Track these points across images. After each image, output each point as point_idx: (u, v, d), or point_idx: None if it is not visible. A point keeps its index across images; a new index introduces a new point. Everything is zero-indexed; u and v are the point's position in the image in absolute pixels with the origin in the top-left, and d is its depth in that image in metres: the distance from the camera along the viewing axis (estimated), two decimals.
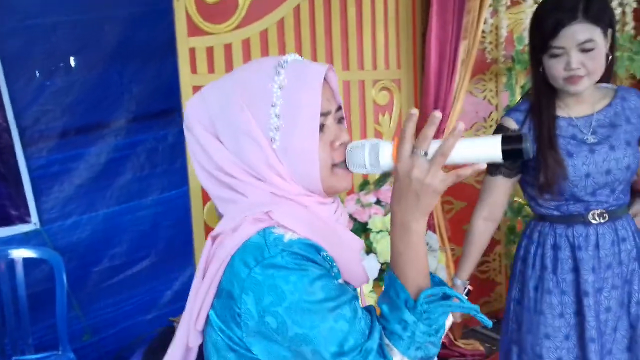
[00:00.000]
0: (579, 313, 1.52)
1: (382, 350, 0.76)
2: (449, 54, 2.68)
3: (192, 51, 2.25)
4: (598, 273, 1.51)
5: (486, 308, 3.30)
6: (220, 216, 1.89)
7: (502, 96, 3.12)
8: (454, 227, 2.95)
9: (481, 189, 1.65)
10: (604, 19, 1.38)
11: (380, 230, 2.23)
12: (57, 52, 2.13)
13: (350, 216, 2.22)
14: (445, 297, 0.80)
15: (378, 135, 2.78)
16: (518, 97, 2.91)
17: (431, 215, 2.72)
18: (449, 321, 1.52)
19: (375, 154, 0.81)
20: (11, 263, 2.08)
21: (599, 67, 1.41)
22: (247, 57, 2.38)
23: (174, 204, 2.37)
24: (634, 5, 3.19)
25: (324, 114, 0.83)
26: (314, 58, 2.54)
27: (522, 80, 2.95)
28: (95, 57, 2.19)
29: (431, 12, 2.65)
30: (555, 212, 1.54)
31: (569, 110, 1.51)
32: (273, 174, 0.82)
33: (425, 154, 0.75)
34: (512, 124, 1.54)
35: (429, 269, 0.83)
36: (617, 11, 3.18)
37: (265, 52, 2.41)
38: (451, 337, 2.86)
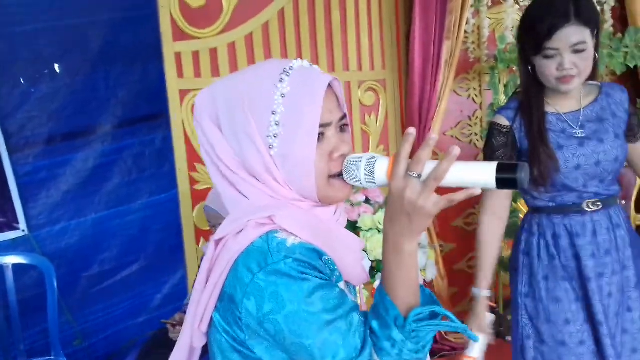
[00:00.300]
0: (586, 297, 1.56)
1: None
2: (433, 54, 2.71)
3: (178, 56, 2.27)
4: (598, 258, 1.56)
5: None
6: (210, 223, 1.90)
7: (486, 95, 3.17)
8: (442, 224, 2.99)
9: (483, 193, 1.67)
10: (593, 20, 1.43)
11: (370, 229, 2.26)
12: (42, 58, 2.13)
13: None
14: (434, 315, 0.80)
15: (365, 135, 2.81)
16: (501, 95, 2.96)
17: None
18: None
19: (371, 170, 0.80)
20: (0, 269, 2.08)
21: (589, 67, 1.46)
22: (232, 60, 2.39)
23: (163, 207, 2.38)
24: (612, 3, 3.25)
25: (324, 125, 0.83)
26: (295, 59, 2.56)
27: (505, 78, 2.99)
28: (80, 63, 2.19)
29: (414, 13, 2.69)
30: (551, 204, 1.59)
31: (558, 107, 1.56)
32: (270, 178, 0.83)
33: (419, 176, 0.74)
34: (503, 121, 1.58)
35: (419, 272, 0.84)
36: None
37: (250, 55, 2.43)
38: (442, 331, 2.90)
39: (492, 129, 1.60)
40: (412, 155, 0.75)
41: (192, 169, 2.33)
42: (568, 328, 1.56)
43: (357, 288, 0.94)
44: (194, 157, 2.32)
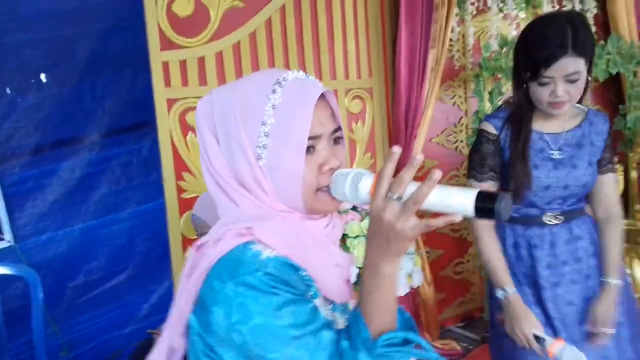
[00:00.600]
0: (540, 303, 1.63)
1: None
2: (419, 62, 2.74)
3: (166, 65, 2.27)
4: (554, 269, 1.63)
5: (462, 308, 3.37)
6: (197, 232, 1.91)
7: (471, 102, 3.20)
8: None
9: None
10: (589, 50, 1.48)
11: (357, 236, 2.28)
12: (28, 68, 2.12)
13: None
14: (408, 341, 0.79)
15: (352, 143, 2.83)
16: (486, 103, 2.99)
17: None
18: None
19: (356, 186, 0.80)
20: None
21: (580, 93, 1.52)
22: (220, 69, 2.40)
23: (150, 216, 2.37)
24: (595, 11, 3.31)
25: (313, 137, 0.83)
26: (287, 69, 2.57)
27: (489, 86, 3.03)
28: (67, 72, 2.18)
29: (400, 22, 2.72)
30: (515, 214, 1.65)
31: (542, 125, 1.61)
32: (258, 189, 0.84)
33: (400, 197, 0.73)
34: (491, 129, 1.63)
35: (397, 303, 0.82)
36: None
37: (238, 64, 2.44)
38: (429, 337, 2.91)
39: (481, 136, 1.65)
40: (398, 172, 0.74)
41: (179, 177, 2.33)
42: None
43: (350, 304, 0.92)
44: (180, 166, 2.32)
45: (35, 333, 2.03)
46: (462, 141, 3.23)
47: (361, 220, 2.31)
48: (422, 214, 0.73)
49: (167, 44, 2.26)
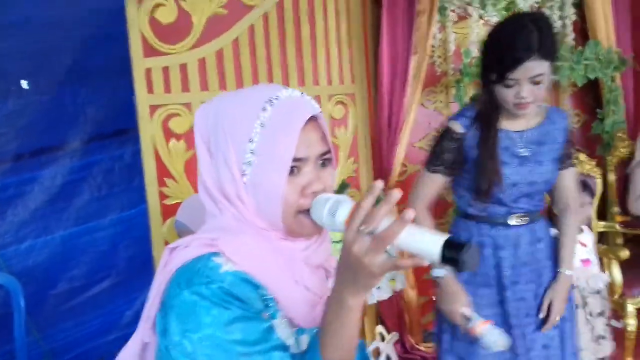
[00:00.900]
0: (502, 303, 1.70)
1: None
2: (401, 68, 2.78)
3: (148, 71, 2.27)
4: (515, 269, 1.70)
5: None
6: (180, 237, 1.91)
7: (452, 107, 3.24)
8: None
9: (418, 182, 1.77)
10: (553, 52, 1.54)
11: (340, 241, 2.29)
12: (9, 75, 2.12)
13: None
14: None
15: (335, 148, 2.84)
16: None
17: None
18: None
19: (333, 213, 0.79)
20: None
21: (544, 94, 1.58)
22: (203, 76, 2.41)
23: (133, 223, 2.37)
24: (573, 17, 3.37)
25: (298, 159, 0.82)
26: (270, 75, 2.59)
27: (470, 91, 3.07)
28: (49, 79, 2.18)
29: (382, 29, 2.75)
30: (482, 213, 1.71)
31: (507, 124, 1.67)
32: (240, 205, 0.84)
33: (372, 232, 0.71)
34: (458, 128, 1.67)
35: (358, 338, 0.81)
36: (558, 23, 3.36)
37: (221, 71, 2.45)
38: (412, 341, 2.93)
39: (446, 133, 1.69)
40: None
41: (161, 183, 2.33)
42: None
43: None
44: (163, 172, 2.32)
45: (17, 341, 2.01)
46: None
47: None
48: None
49: (149, 51, 2.27)
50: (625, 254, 2.55)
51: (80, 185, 2.26)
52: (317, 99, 2.75)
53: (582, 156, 3.16)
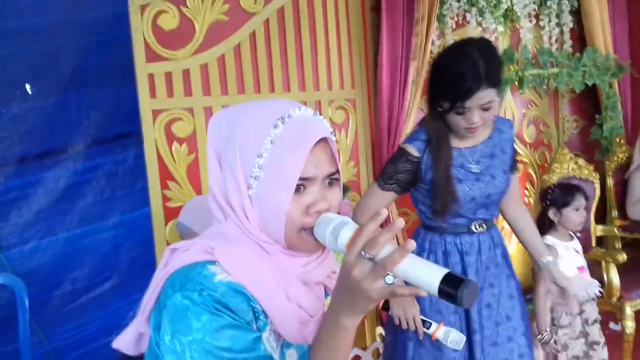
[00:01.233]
0: (466, 310, 1.73)
1: None
2: (400, 74, 2.82)
3: (151, 76, 2.31)
4: (479, 274, 1.75)
5: None
6: (182, 239, 1.94)
7: None
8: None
9: (368, 195, 1.82)
10: (499, 79, 1.61)
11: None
12: (13, 80, 2.15)
13: None
14: None
15: None
16: None
17: None
18: None
19: (336, 235, 0.80)
20: None
21: (493, 117, 1.67)
22: (205, 81, 2.45)
23: (136, 225, 2.39)
24: (571, 25, 3.41)
25: (305, 179, 0.83)
26: (271, 81, 2.63)
27: None
28: (53, 84, 2.21)
29: (382, 35, 2.79)
30: (444, 224, 1.76)
31: (459, 142, 1.73)
32: (243, 216, 0.86)
33: (372, 258, 0.72)
34: (414, 152, 1.72)
35: (349, 351, 0.83)
36: (556, 31, 3.40)
37: (223, 76, 2.49)
38: None
39: (402, 155, 1.74)
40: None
41: (164, 186, 2.36)
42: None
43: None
44: (166, 175, 2.36)
45: (22, 342, 2.03)
46: None
47: None
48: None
49: (152, 57, 2.31)
50: (623, 257, 2.56)
51: (84, 188, 2.29)
52: (318, 104, 2.79)
53: (581, 161, 3.18)
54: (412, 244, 0.71)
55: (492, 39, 3.21)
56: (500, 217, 1.94)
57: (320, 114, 0.91)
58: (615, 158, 3.39)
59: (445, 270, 0.70)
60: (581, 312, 2.23)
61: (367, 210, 1.77)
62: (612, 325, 3.13)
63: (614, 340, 2.72)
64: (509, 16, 3.25)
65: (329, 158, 0.87)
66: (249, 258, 0.84)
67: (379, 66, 2.83)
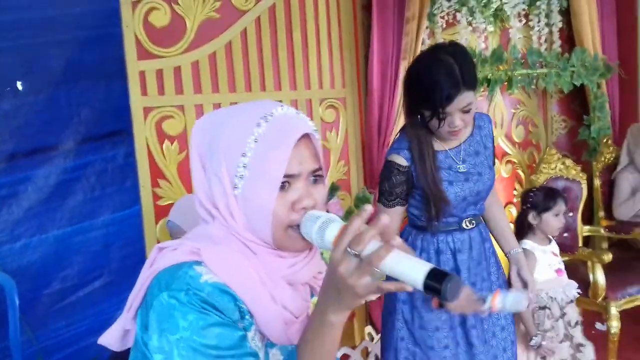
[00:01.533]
0: None
1: None
2: (391, 73, 2.83)
3: (142, 74, 2.31)
4: (472, 269, 1.79)
5: None
6: (172, 237, 1.95)
7: None
8: None
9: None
10: (475, 82, 1.63)
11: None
12: (3, 76, 2.14)
13: None
14: None
15: (326, 151, 2.89)
16: None
17: None
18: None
19: (323, 232, 0.81)
20: None
21: (473, 118, 1.71)
22: (196, 78, 2.45)
23: (126, 223, 2.39)
24: (560, 25, 3.44)
25: (290, 175, 0.84)
26: (262, 79, 2.64)
27: None
28: (44, 80, 2.20)
29: (372, 35, 2.80)
30: (436, 224, 1.77)
31: (443, 144, 1.75)
32: (230, 218, 0.87)
33: (358, 255, 0.74)
34: (402, 162, 1.73)
35: (335, 358, 0.84)
36: (545, 31, 3.43)
37: (214, 74, 2.49)
38: None
39: (392, 168, 1.74)
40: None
41: (155, 184, 2.36)
42: (437, 334, 1.77)
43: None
44: (156, 173, 2.36)
45: (12, 340, 2.03)
46: None
47: None
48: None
49: (143, 54, 2.31)
50: (608, 257, 2.60)
51: (74, 185, 2.28)
52: (309, 102, 2.80)
53: (569, 161, 3.22)
54: (398, 240, 0.73)
55: (482, 38, 3.23)
56: None
57: (311, 113, 0.93)
58: (603, 159, 3.43)
59: (430, 265, 0.72)
60: (563, 315, 2.25)
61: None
62: (598, 325, 3.17)
63: (600, 340, 2.76)
64: (499, 16, 3.27)
65: (312, 155, 0.88)
66: (235, 259, 0.85)
67: (370, 65, 2.84)
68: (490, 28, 3.23)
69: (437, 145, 1.74)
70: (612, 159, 3.43)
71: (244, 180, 0.84)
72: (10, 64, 2.15)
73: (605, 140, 3.47)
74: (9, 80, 2.17)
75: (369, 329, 2.74)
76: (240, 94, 2.55)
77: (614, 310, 2.68)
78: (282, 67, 2.70)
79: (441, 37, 3.07)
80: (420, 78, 1.63)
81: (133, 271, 2.47)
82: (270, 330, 0.87)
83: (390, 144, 2.82)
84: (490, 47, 3.27)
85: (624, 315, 2.73)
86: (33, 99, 2.20)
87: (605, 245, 3.33)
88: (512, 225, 2.20)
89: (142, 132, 2.31)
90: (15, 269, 2.16)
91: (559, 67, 3.37)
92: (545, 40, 3.44)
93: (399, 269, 0.73)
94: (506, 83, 3.28)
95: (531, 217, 2.31)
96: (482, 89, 3.16)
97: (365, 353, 2.60)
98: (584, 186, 3.20)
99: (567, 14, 3.46)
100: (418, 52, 2.82)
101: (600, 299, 2.68)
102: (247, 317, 0.85)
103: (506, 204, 3.45)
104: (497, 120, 3.44)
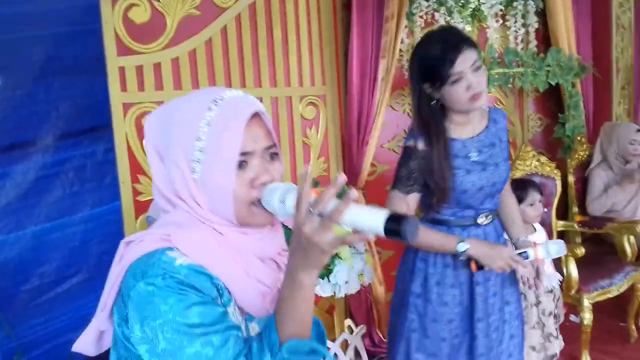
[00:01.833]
0: (471, 299, 1.78)
1: None
2: (370, 71, 2.86)
3: (122, 70, 2.30)
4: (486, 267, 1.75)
5: None
6: None
7: None
8: None
9: (391, 203, 1.75)
10: (473, 42, 1.66)
11: None
12: None
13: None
14: (314, 351, 0.84)
15: (306, 148, 2.91)
16: None
17: None
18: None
19: (283, 201, 0.84)
20: None
21: (486, 83, 1.67)
22: (176, 75, 2.45)
23: (105, 219, 2.39)
24: (536, 25, 3.51)
25: (245, 153, 0.87)
26: (242, 76, 2.65)
27: None
28: (22, 75, 2.19)
29: (352, 33, 2.83)
30: (452, 218, 1.78)
31: (460, 133, 1.75)
32: (193, 202, 0.89)
33: (320, 214, 0.77)
34: (421, 145, 1.71)
35: (312, 314, 0.86)
36: (522, 31, 3.49)
37: (194, 70, 2.50)
38: (381, 335, 3.01)
39: (410, 153, 1.73)
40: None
41: (135, 180, 2.36)
42: (449, 326, 1.78)
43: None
44: (136, 169, 2.36)
45: None
46: None
47: None
48: None
49: (123, 50, 2.30)
50: (581, 251, 2.66)
51: (53, 181, 2.28)
52: (289, 100, 2.82)
53: (543, 158, 3.29)
54: (355, 194, 0.76)
55: None
56: None
57: (291, 110, 0.96)
58: (577, 156, 3.51)
59: (387, 211, 0.75)
60: (538, 303, 2.31)
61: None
62: (572, 317, 3.25)
63: (574, 331, 2.83)
64: (477, 16, 3.33)
65: (265, 133, 0.91)
66: (205, 240, 0.88)
67: (350, 63, 2.87)
68: (468, 28, 3.28)
69: (454, 134, 1.73)
70: (585, 156, 3.51)
71: (202, 164, 0.87)
72: None
73: (579, 138, 3.55)
74: None
75: (348, 321, 2.77)
76: None
77: (586, 303, 2.75)
78: (262, 64, 2.71)
79: (420, 36, 3.11)
80: (423, 54, 1.67)
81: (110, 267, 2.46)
82: (248, 303, 0.90)
83: (368, 141, 2.87)
84: None
85: (597, 307, 2.80)
86: (11, 94, 2.19)
87: (579, 239, 3.41)
88: None
89: (122, 128, 2.31)
90: None
91: (534, 67, 3.44)
92: (522, 40, 3.50)
93: (359, 220, 0.76)
94: None
95: None
96: None
97: (345, 345, 2.63)
98: (559, 182, 3.27)
99: (543, 15, 3.52)
100: (397, 50, 2.86)
101: (573, 292, 2.75)
102: (225, 293, 0.87)
103: None
104: None
